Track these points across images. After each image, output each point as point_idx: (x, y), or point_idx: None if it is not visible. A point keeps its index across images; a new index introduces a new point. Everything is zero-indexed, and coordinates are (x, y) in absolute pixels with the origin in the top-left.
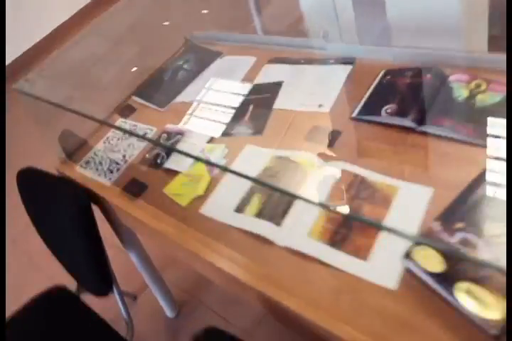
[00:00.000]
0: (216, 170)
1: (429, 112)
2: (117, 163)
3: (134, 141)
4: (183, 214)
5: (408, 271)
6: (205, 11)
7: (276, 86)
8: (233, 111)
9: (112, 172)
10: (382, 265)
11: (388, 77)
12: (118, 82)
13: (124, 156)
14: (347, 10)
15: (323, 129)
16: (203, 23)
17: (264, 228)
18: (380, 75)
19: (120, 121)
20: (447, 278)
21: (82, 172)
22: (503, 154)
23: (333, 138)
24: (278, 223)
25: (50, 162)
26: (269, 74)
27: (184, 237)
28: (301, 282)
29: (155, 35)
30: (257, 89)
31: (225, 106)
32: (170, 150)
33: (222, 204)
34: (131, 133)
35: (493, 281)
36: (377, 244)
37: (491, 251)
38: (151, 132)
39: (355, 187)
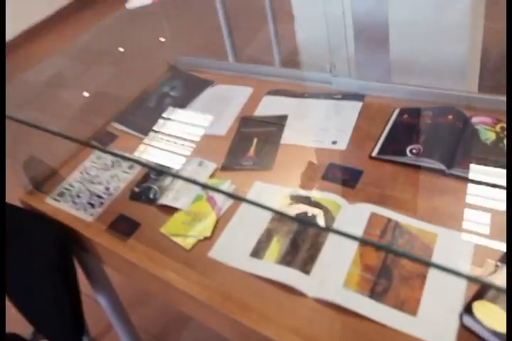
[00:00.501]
0: (223, 209)
1: (457, 155)
2: (99, 197)
3: (118, 172)
4: (186, 257)
5: (465, 329)
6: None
7: (281, 119)
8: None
9: (93, 206)
10: (435, 321)
11: (405, 116)
12: (94, 106)
13: (107, 189)
14: (348, 46)
15: (341, 168)
16: (188, 47)
17: (291, 276)
18: (396, 114)
19: (98, 151)
20: None
21: (55, 205)
22: None
23: (355, 178)
24: (307, 271)
25: (12, 192)
26: (271, 106)
27: (192, 285)
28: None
29: (135, 59)
30: (260, 122)
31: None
32: (163, 184)
33: (236, 248)
34: (130, 159)
35: None
36: (424, 297)
37: None
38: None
39: (391, 233)
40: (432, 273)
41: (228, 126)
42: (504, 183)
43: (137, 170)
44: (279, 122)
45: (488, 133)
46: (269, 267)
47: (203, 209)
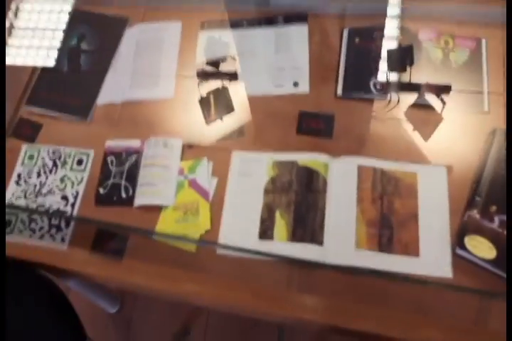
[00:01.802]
0: (211, 192)
1: (411, 82)
2: (60, 211)
3: (66, 172)
4: (196, 261)
5: (458, 257)
6: None
7: (228, 63)
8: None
9: (58, 228)
10: (435, 257)
11: (357, 40)
12: None
13: (64, 198)
14: None
15: (313, 116)
16: None
17: (308, 252)
18: (346, 36)
19: (27, 147)
20: (503, 262)
21: (8, 243)
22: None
23: (329, 125)
24: (320, 242)
25: None
26: (211, 45)
27: (217, 291)
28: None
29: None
30: (211, 75)
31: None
32: (132, 177)
33: (242, 236)
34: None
35: None
36: (421, 236)
37: None
38: (90, 157)
39: (379, 183)
40: (421, 212)
41: (173, 82)
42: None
43: (90, 163)
44: (230, 70)
45: (436, 51)
46: (283, 247)
47: (190, 199)
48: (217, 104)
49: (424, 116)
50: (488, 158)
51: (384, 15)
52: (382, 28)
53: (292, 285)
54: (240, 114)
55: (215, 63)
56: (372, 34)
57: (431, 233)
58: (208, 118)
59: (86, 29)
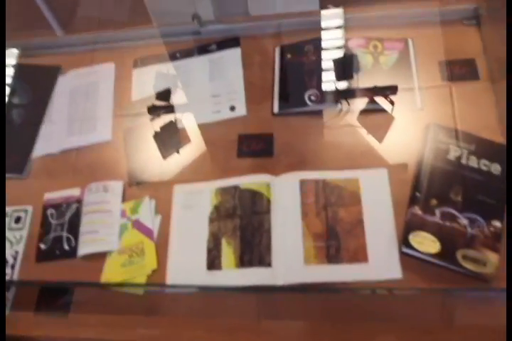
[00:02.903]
0: (155, 231)
1: (350, 89)
2: None
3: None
4: (147, 305)
5: (406, 255)
6: None
7: (166, 96)
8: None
9: None
10: (383, 260)
11: (289, 56)
12: None
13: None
14: None
15: (252, 138)
16: None
17: (257, 276)
18: (278, 54)
19: None
20: (447, 253)
21: None
22: None
23: (269, 144)
24: (268, 264)
25: None
26: (145, 83)
27: (177, 332)
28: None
29: None
30: (148, 110)
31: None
32: (74, 227)
33: (190, 270)
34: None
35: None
36: (369, 242)
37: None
38: (28, 213)
39: (322, 194)
40: (366, 217)
41: (110, 124)
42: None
43: (29, 219)
44: (166, 101)
45: (366, 56)
46: (232, 275)
47: (135, 240)
48: (165, 139)
49: (376, 119)
50: (425, 153)
51: (316, 29)
52: (313, 41)
53: (255, 313)
54: (185, 145)
55: (161, 96)
56: (303, 48)
57: (378, 236)
58: (164, 154)
59: (16, 83)
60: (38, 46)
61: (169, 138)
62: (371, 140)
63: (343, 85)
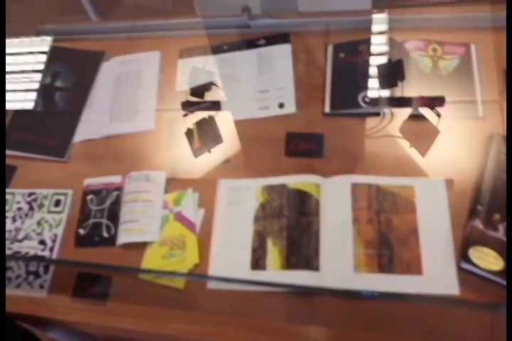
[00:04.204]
0: (198, 224)
1: (410, 93)
2: (37, 257)
3: (44, 215)
4: (186, 300)
5: (464, 271)
6: None
7: (212, 91)
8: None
9: (37, 275)
10: (439, 274)
11: (342, 55)
12: None
13: (42, 243)
14: None
15: (301, 137)
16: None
17: (303, 279)
18: (331, 52)
19: None
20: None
21: None
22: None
23: (319, 145)
24: (316, 268)
25: None
26: (192, 73)
27: (209, 330)
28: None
29: None
30: (193, 102)
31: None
32: (114, 215)
33: (233, 267)
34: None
35: None
36: (423, 252)
37: None
38: (68, 197)
39: (375, 200)
40: (421, 227)
41: (154, 114)
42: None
43: (69, 203)
44: (213, 99)
45: (425, 60)
46: (277, 276)
47: (177, 233)
48: (203, 135)
49: (420, 131)
50: (487, 165)
51: (368, 28)
52: (367, 41)
53: (293, 316)
54: (228, 141)
55: (198, 93)
56: (357, 48)
57: (433, 248)
58: (195, 151)
59: (61, 66)
60: (78, 31)
61: (204, 135)
62: (437, 143)
63: (387, 92)
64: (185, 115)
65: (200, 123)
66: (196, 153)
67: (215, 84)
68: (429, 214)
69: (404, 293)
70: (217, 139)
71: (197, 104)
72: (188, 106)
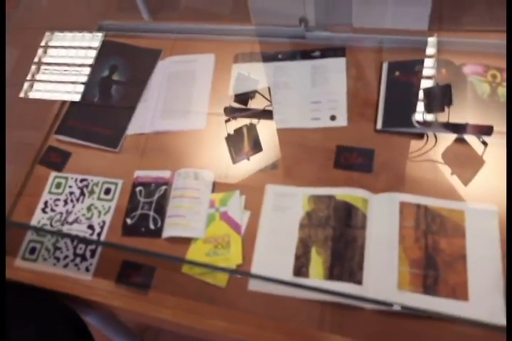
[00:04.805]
0: (243, 225)
1: (462, 117)
2: (86, 241)
3: (94, 201)
4: (226, 297)
5: None
6: None
7: (255, 96)
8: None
9: (84, 257)
10: (486, 302)
11: (398, 74)
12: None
13: (91, 227)
14: None
15: (351, 150)
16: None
17: (346, 291)
18: (385, 70)
19: (55, 175)
20: None
21: (30, 268)
22: None
23: (369, 160)
24: (358, 281)
25: None
26: (245, 78)
27: (247, 329)
28: None
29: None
30: (241, 102)
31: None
32: (161, 208)
33: (275, 271)
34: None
35: None
36: (470, 278)
37: None
38: (117, 186)
39: (423, 221)
40: (470, 253)
41: (205, 115)
42: None
43: (118, 192)
44: (258, 108)
45: (483, 85)
46: (320, 285)
47: (222, 232)
48: (244, 142)
49: (464, 159)
50: None
51: (422, 49)
52: (423, 62)
53: (324, 325)
54: (271, 148)
55: (242, 100)
56: (413, 67)
57: (481, 276)
58: (234, 158)
59: (118, 60)
60: (137, 29)
61: (244, 143)
62: (481, 173)
63: (438, 115)
64: (227, 120)
65: (239, 130)
66: (235, 160)
67: (259, 93)
68: (478, 241)
69: (449, 315)
70: (256, 148)
71: (239, 110)
72: (230, 112)
